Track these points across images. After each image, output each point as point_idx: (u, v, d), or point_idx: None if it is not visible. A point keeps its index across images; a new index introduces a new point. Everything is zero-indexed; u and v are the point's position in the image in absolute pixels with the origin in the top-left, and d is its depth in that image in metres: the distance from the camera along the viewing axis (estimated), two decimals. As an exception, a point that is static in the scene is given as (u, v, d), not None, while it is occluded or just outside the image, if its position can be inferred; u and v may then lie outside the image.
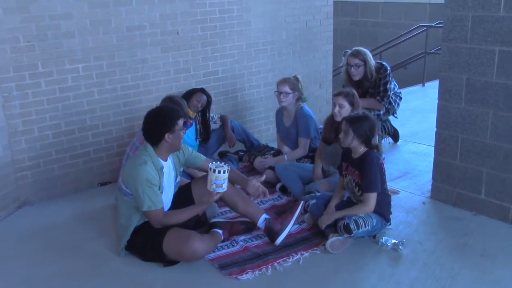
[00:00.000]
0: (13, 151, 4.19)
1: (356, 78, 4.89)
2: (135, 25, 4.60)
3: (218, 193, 3.26)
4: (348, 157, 3.56)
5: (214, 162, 3.34)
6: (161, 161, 3.31)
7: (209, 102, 4.82)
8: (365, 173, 3.37)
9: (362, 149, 3.44)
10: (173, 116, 3.30)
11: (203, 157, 3.68)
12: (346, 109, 4.01)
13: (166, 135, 3.25)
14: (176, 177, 3.53)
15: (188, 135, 4.56)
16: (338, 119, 4.00)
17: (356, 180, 3.47)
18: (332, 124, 4.12)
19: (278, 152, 4.83)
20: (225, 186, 3.24)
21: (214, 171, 3.19)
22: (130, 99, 4.73)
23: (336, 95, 4.12)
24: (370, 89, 4.94)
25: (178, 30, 4.88)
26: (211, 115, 4.96)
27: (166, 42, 4.83)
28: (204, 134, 4.91)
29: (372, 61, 4.87)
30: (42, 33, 4.14)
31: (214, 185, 3.21)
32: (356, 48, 4.96)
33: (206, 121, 4.89)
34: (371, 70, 4.84)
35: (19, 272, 3.34)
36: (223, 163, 3.35)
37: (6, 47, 4.00)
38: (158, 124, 3.27)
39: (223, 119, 5.08)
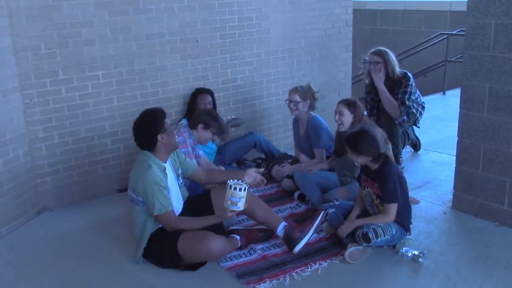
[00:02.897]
0: (33, 157, 4.23)
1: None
2: (155, 33, 4.63)
3: (232, 211, 3.13)
4: (366, 169, 3.52)
5: (234, 180, 3.16)
6: (162, 163, 3.36)
7: (212, 96, 4.82)
8: (384, 186, 3.35)
9: (373, 163, 3.40)
10: (159, 116, 3.35)
11: (195, 164, 3.73)
12: (346, 117, 4.02)
13: (159, 136, 3.29)
14: (177, 178, 3.54)
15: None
16: (341, 128, 4.02)
17: (376, 193, 3.43)
18: (341, 137, 4.08)
19: (295, 161, 4.79)
20: (240, 205, 3.10)
21: (231, 187, 3.08)
22: (149, 106, 4.71)
23: (338, 102, 4.13)
24: (396, 89, 4.70)
25: (197, 37, 4.90)
26: (224, 118, 4.84)
27: (185, 49, 4.85)
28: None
29: (394, 61, 4.72)
30: (63, 41, 4.18)
31: (229, 202, 3.09)
32: (378, 47, 4.84)
33: None
34: (393, 69, 4.67)
35: (37, 278, 3.35)
36: (243, 182, 3.17)
37: (28, 54, 4.05)
38: (148, 128, 3.31)
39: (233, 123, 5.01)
